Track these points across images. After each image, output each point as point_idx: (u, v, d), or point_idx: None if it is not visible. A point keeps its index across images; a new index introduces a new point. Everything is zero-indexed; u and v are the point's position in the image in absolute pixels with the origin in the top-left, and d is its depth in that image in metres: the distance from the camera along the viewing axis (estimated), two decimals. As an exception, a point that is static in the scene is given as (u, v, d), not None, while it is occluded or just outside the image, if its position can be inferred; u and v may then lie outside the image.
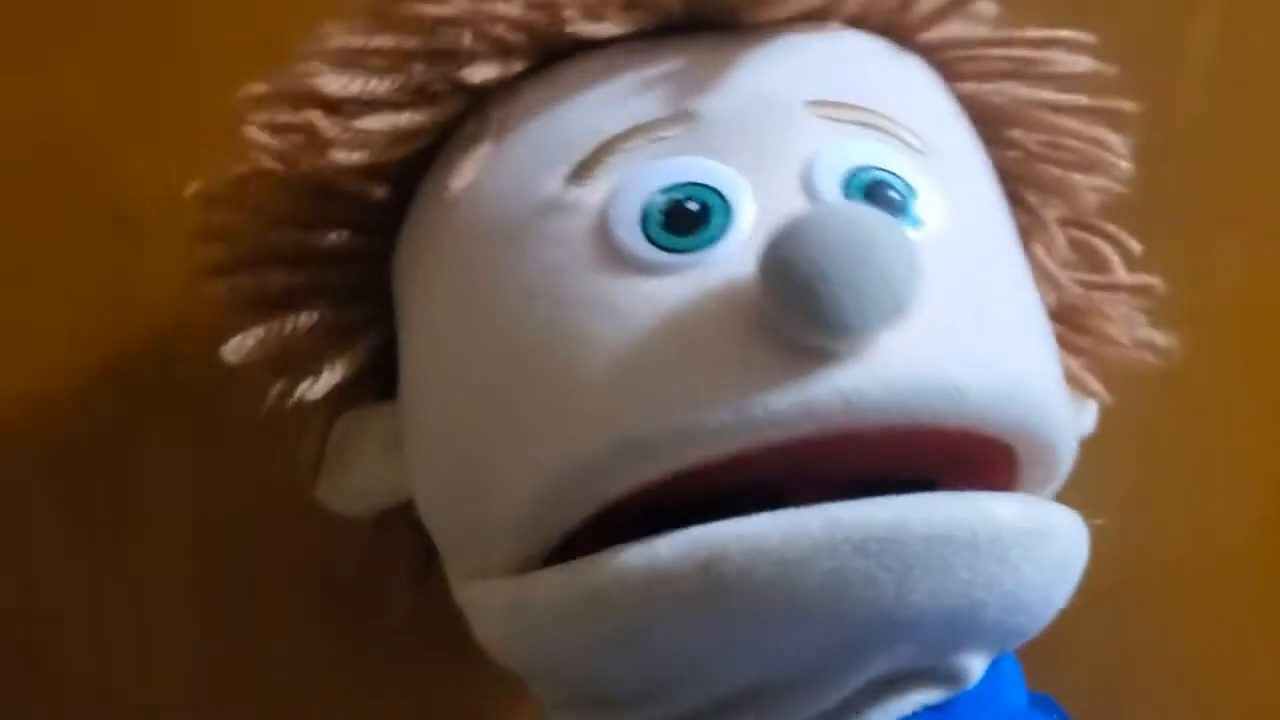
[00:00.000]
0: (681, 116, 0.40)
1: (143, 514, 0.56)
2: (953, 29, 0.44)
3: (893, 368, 0.35)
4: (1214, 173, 0.57)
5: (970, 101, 0.45)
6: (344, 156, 0.41)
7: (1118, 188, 0.47)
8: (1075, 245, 0.49)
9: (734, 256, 0.37)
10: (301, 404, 0.44)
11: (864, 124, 0.40)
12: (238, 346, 0.43)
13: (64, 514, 0.55)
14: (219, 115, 0.55)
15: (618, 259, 0.38)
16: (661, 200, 0.38)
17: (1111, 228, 0.49)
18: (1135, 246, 0.49)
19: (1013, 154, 0.46)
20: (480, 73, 0.41)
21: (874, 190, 0.39)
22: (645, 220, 0.38)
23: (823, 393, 0.34)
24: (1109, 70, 0.46)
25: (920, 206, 0.39)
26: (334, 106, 0.42)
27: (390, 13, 0.42)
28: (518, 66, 0.41)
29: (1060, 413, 0.40)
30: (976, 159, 0.43)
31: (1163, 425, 0.57)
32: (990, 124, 0.45)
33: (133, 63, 0.56)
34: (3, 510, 0.55)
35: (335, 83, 0.42)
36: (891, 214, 0.37)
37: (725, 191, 0.38)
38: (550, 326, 0.38)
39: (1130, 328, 0.48)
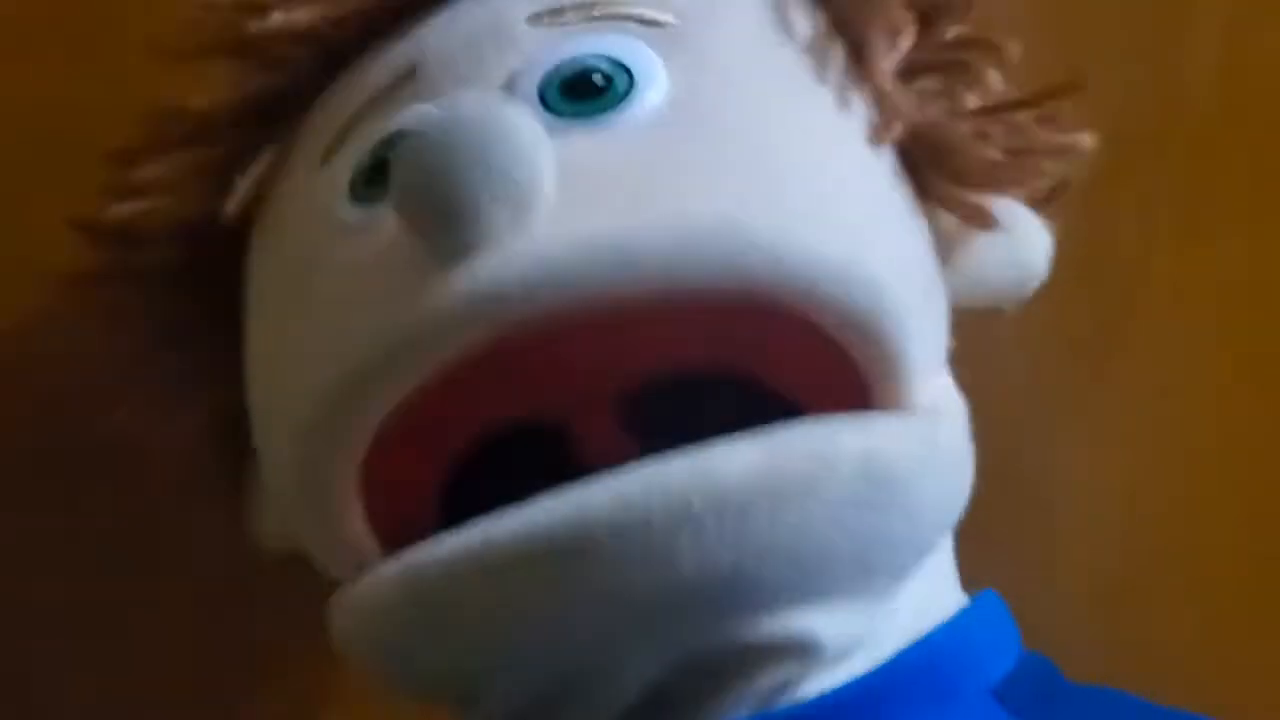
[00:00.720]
0: (407, 73, 0.41)
1: (143, 513, 0.55)
2: None
3: (538, 243, 0.35)
4: (1217, 170, 0.57)
5: None
6: None
7: None
8: (949, 69, 0.43)
9: None
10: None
11: (590, 18, 0.40)
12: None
13: (64, 514, 0.55)
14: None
15: (339, 226, 0.39)
16: (367, 160, 0.39)
17: (986, 35, 0.43)
18: (1012, 50, 0.43)
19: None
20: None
21: (572, 82, 0.38)
22: (352, 185, 0.39)
23: (462, 286, 0.35)
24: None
25: (638, 82, 0.38)
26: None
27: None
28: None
29: (850, 264, 0.36)
30: (765, 19, 0.41)
31: (1163, 425, 0.57)
32: None
33: (133, 62, 0.56)
34: (2, 510, 0.55)
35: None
36: (593, 100, 0.38)
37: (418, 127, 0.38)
38: (289, 301, 0.40)
39: (1025, 144, 0.43)
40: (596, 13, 0.40)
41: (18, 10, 0.56)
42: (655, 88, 0.38)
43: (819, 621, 0.36)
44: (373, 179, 0.39)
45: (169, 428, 0.47)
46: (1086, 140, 0.43)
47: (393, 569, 0.36)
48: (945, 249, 0.42)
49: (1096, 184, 0.46)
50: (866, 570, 0.36)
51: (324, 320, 0.38)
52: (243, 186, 0.43)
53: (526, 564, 0.34)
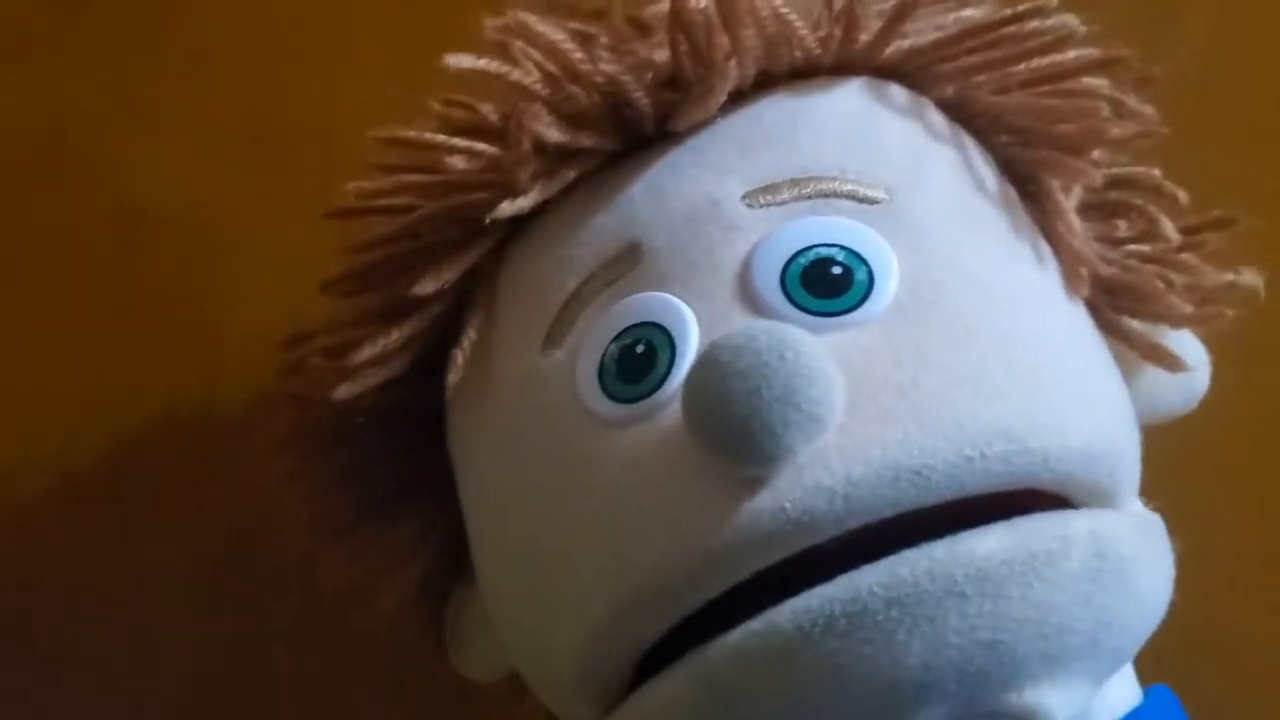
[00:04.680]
0: (629, 251, 0.40)
1: (143, 514, 0.55)
2: (910, 41, 0.43)
3: (836, 466, 0.35)
4: (1216, 165, 0.57)
5: (957, 108, 0.43)
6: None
7: (1125, 134, 0.44)
8: (1117, 210, 0.45)
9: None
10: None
11: (805, 196, 0.39)
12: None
13: (64, 514, 0.55)
14: (221, 116, 0.56)
15: (587, 420, 0.38)
16: (614, 350, 0.39)
17: (1151, 175, 0.45)
18: (1181, 196, 0.45)
19: (1006, 140, 0.44)
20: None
21: (813, 273, 0.38)
22: (602, 375, 0.38)
23: (767, 516, 0.35)
24: (1081, 28, 0.43)
25: (876, 273, 0.38)
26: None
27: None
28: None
29: (1092, 441, 0.38)
30: (961, 180, 0.42)
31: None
32: (984, 123, 0.44)
33: (134, 63, 0.56)
34: (3, 510, 0.55)
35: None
36: (840, 295, 0.38)
37: (669, 325, 0.38)
38: (552, 501, 0.39)
39: (1197, 283, 0.45)
40: (809, 190, 0.39)
41: (18, 11, 0.56)
42: (892, 276, 0.38)
43: (1054, 699, 0.37)
44: (625, 374, 0.38)
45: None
46: (1255, 280, 0.45)
47: (677, 676, 0.36)
48: (1124, 373, 0.43)
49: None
50: (1096, 650, 0.37)
51: (603, 520, 0.37)
52: (459, 362, 0.42)
53: (810, 643, 0.34)
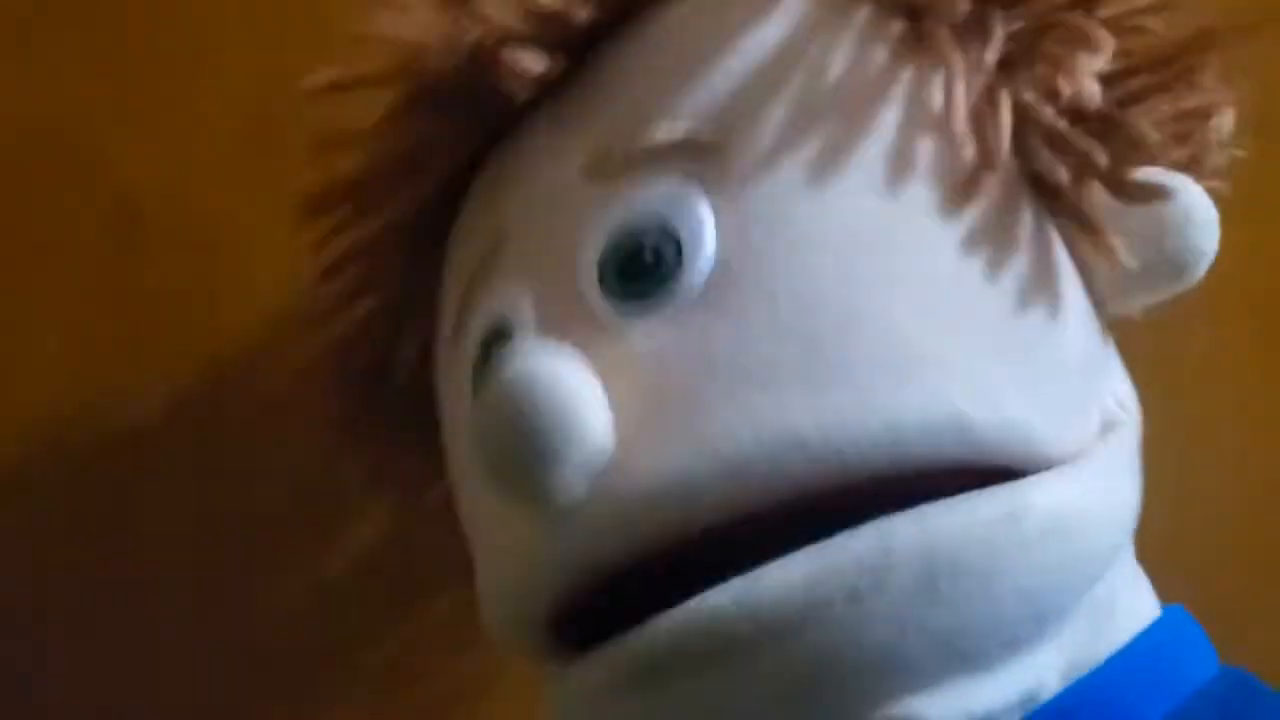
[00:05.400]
0: (498, 243, 0.40)
1: (143, 514, 0.55)
2: None
3: (613, 492, 0.35)
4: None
5: None
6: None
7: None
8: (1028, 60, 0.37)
9: None
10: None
11: (635, 162, 0.37)
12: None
13: (64, 514, 0.55)
14: (220, 114, 0.56)
15: (465, 423, 0.40)
16: (475, 355, 0.39)
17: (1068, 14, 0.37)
18: (1103, 39, 0.36)
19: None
20: None
21: (626, 260, 0.36)
22: (471, 381, 0.40)
23: (557, 537, 0.36)
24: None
25: (683, 245, 0.35)
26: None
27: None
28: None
29: (920, 421, 0.34)
30: (818, 83, 0.36)
31: (1164, 416, 0.56)
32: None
33: (132, 62, 0.56)
34: (3, 510, 0.55)
35: None
36: (645, 278, 0.36)
37: (513, 329, 0.38)
38: (460, 483, 0.42)
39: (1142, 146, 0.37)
40: (637, 152, 0.37)
41: (18, 9, 0.56)
42: (702, 252, 0.35)
43: (920, 704, 0.35)
44: (480, 377, 0.39)
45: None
46: (1226, 97, 0.40)
47: (603, 652, 0.36)
48: (1092, 255, 0.39)
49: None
50: (961, 654, 0.35)
51: (481, 517, 0.40)
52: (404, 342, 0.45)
53: (616, 694, 0.36)
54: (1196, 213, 0.38)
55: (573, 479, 0.35)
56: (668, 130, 0.36)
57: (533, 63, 0.38)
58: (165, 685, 0.55)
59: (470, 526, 0.41)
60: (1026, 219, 0.37)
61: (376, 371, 0.46)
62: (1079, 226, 0.37)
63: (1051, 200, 0.37)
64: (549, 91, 0.39)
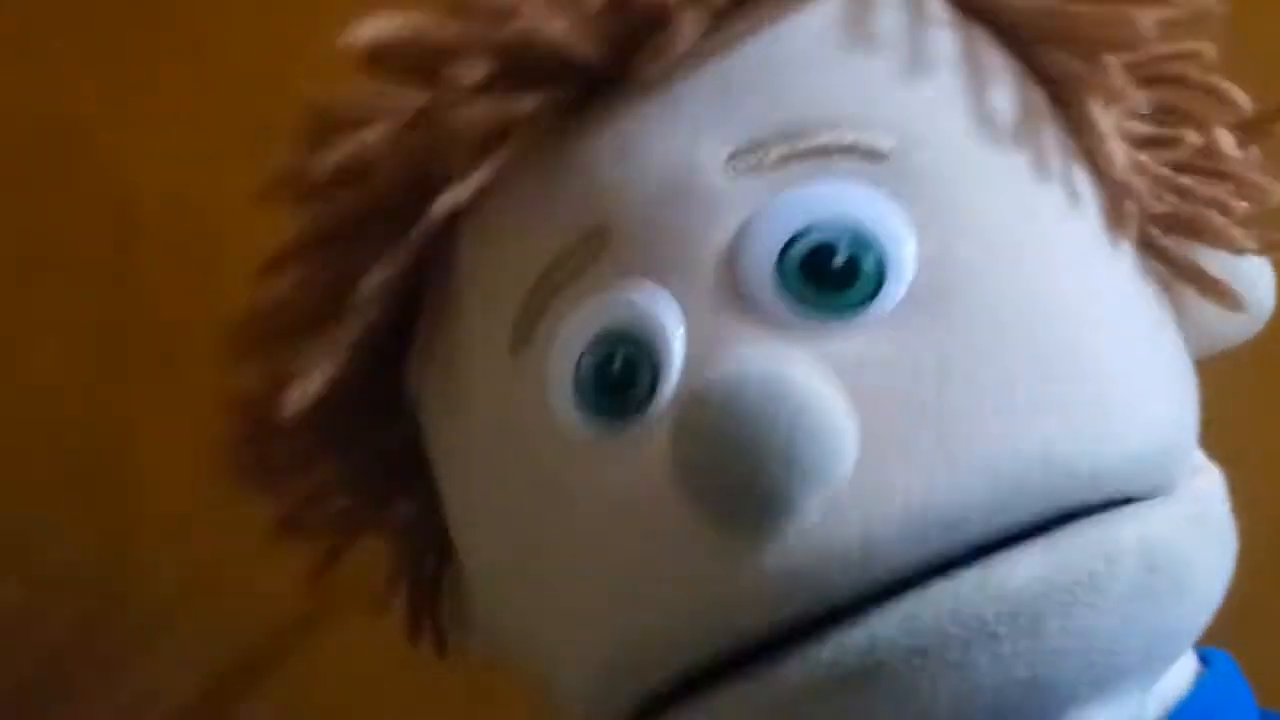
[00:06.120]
0: (595, 235, 0.34)
1: (143, 513, 0.56)
2: None
3: (852, 517, 0.31)
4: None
5: (975, 10, 0.37)
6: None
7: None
8: (1163, 118, 0.38)
9: (666, 417, 0.32)
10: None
11: (798, 156, 0.34)
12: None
13: (64, 514, 0.55)
14: (220, 114, 0.56)
15: (562, 441, 0.34)
16: (587, 364, 0.34)
17: (1206, 77, 0.37)
18: (1240, 99, 0.37)
19: (1037, 48, 0.37)
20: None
21: (812, 264, 0.33)
22: (578, 393, 0.34)
23: (776, 577, 0.31)
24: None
25: (883, 254, 0.33)
26: None
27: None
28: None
29: (1147, 441, 0.34)
30: (980, 108, 0.36)
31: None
32: (1008, 26, 0.37)
33: (134, 62, 0.56)
34: (3, 510, 0.55)
35: None
36: (841, 287, 0.33)
37: (647, 339, 0.33)
38: (538, 531, 0.35)
39: (1263, 202, 0.38)
40: (803, 147, 0.34)
41: (19, 8, 0.56)
42: (907, 261, 0.33)
43: (1101, 714, 0.34)
44: (602, 389, 0.34)
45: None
46: None
47: (796, 660, 0.32)
48: (1176, 303, 0.38)
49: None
50: (1150, 660, 0.34)
51: (595, 562, 0.33)
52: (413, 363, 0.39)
53: (821, 699, 0.32)
54: (1268, 265, 0.39)
55: (825, 503, 0.31)
56: (836, 133, 0.34)
57: (688, 34, 0.34)
58: (167, 684, 0.56)
59: (546, 549, 0.35)
60: (1147, 265, 0.37)
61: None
62: (1188, 273, 0.37)
63: (1170, 247, 0.37)
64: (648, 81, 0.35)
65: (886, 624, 0.31)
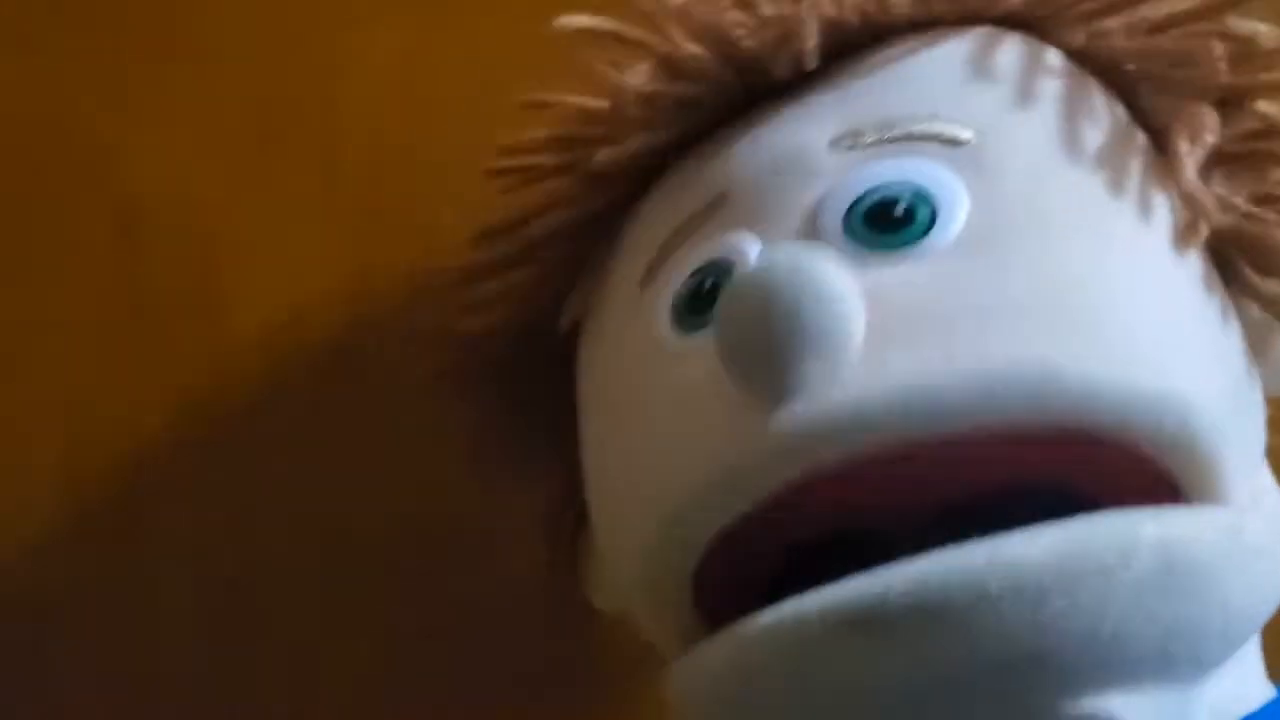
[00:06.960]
0: (719, 199, 0.42)
1: (143, 514, 0.55)
2: None
3: (850, 390, 0.36)
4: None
5: (1088, 58, 0.42)
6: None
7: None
8: (1260, 161, 0.42)
9: None
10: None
11: (889, 139, 0.40)
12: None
13: (64, 513, 0.55)
14: (221, 114, 0.56)
15: (659, 349, 0.41)
16: (684, 288, 0.41)
17: None
18: None
19: (1139, 90, 0.42)
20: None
21: (876, 211, 0.39)
22: (674, 310, 0.41)
23: (778, 433, 0.36)
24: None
25: (940, 213, 0.38)
26: None
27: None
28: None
29: (1151, 383, 0.36)
30: (1069, 128, 0.40)
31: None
32: (1115, 72, 0.42)
33: (134, 62, 0.56)
34: (3, 510, 0.55)
35: None
36: (897, 231, 0.38)
37: (730, 261, 0.40)
38: (623, 422, 0.42)
39: None
40: (897, 132, 0.40)
41: (19, 6, 0.56)
42: (957, 217, 0.38)
43: (1119, 704, 0.36)
44: (692, 307, 0.41)
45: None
46: None
47: (717, 642, 0.38)
48: (1258, 338, 0.42)
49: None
50: (1169, 658, 0.36)
51: (655, 445, 0.40)
52: (575, 301, 0.47)
53: (830, 637, 0.35)
54: None
55: (829, 375, 0.36)
56: (925, 125, 0.40)
57: (815, 54, 0.42)
58: (168, 685, 0.55)
59: (626, 445, 0.42)
60: (1216, 281, 0.41)
61: (517, 340, 0.48)
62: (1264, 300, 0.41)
63: (1252, 278, 0.41)
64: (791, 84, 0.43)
65: (900, 578, 0.34)
